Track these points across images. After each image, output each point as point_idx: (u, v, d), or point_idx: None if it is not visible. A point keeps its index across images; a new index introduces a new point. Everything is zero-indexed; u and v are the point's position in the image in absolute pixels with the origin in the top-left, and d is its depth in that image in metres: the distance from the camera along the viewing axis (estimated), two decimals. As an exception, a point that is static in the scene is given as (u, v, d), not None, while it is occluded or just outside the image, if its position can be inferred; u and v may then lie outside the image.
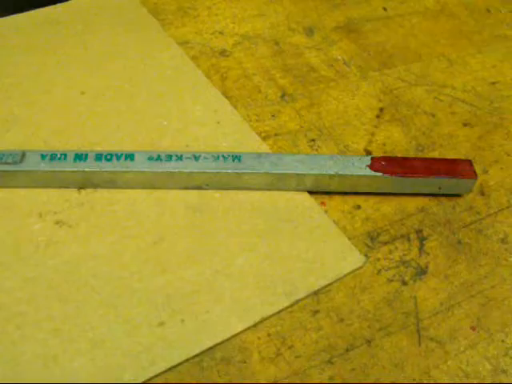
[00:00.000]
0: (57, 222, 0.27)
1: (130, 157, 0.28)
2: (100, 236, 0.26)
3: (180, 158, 0.28)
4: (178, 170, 0.27)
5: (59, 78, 0.33)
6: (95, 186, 0.28)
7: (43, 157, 0.28)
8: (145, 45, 0.35)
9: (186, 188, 0.28)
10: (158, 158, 0.28)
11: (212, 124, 0.31)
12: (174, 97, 0.32)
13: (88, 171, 0.27)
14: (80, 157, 0.28)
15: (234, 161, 0.28)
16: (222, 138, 0.30)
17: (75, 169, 0.27)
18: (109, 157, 0.27)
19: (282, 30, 0.37)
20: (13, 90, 0.33)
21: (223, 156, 0.28)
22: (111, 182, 0.28)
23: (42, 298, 0.24)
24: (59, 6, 0.38)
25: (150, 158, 0.28)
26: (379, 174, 0.28)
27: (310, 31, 0.37)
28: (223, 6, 0.39)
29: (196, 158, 0.28)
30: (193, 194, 0.28)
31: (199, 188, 0.28)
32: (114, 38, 0.36)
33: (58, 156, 0.28)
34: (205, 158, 0.28)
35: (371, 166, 0.28)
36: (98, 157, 0.27)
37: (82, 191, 0.28)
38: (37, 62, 0.34)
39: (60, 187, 0.28)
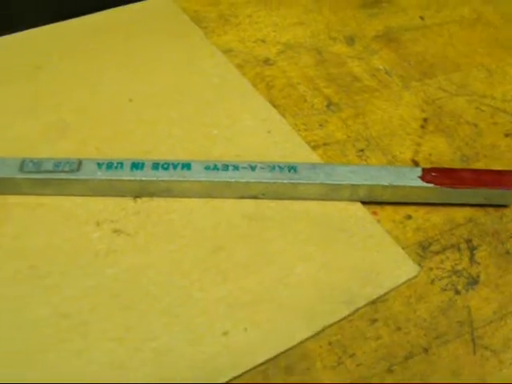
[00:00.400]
0: (115, 231, 0.27)
1: (186, 166, 0.28)
2: (158, 245, 0.27)
3: (237, 167, 0.28)
4: (235, 180, 0.28)
5: (106, 86, 0.33)
6: (151, 194, 0.28)
7: (100, 165, 0.28)
8: (188, 52, 0.36)
9: (241, 197, 0.28)
10: (215, 168, 0.28)
11: (262, 133, 0.31)
12: (222, 105, 0.33)
13: (145, 180, 0.28)
14: (137, 165, 0.28)
15: (289, 171, 0.28)
16: (273, 147, 0.31)
17: (132, 178, 0.28)
18: (165, 166, 0.28)
19: (323, 39, 0.38)
20: (61, 97, 0.33)
21: (279, 166, 0.28)
22: (168, 191, 0.28)
23: (105, 306, 0.25)
24: (100, 13, 0.38)
25: (207, 168, 0.28)
26: (431, 185, 0.28)
27: (350, 40, 0.38)
28: (263, 14, 0.39)
29: (252, 168, 0.28)
30: (248, 203, 0.28)
31: (254, 197, 0.28)
32: (156, 45, 0.36)
33: (115, 165, 0.28)
34: (261, 168, 0.28)
35: (423, 178, 0.29)
36: (155, 166, 0.28)
37: (138, 200, 0.28)
38: (82, 69, 0.35)
39: (116, 196, 0.28)
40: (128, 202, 0.28)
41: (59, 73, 0.34)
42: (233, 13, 0.39)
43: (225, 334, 0.24)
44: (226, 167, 0.28)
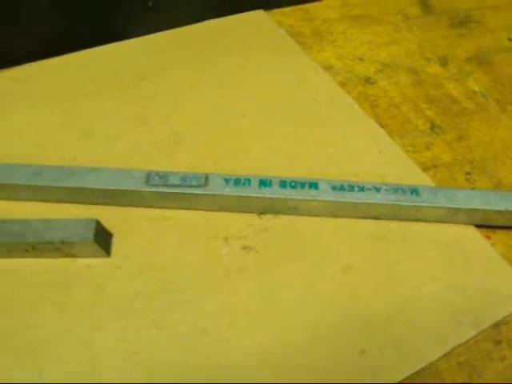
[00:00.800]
0: (244, 247, 0.28)
1: (314, 185, 0.28)
2: (287, 262, 0.27)
3: (362, 188, 0.29)
4: (361, 201, 0.28)
5: (215, 99, 0.34)
6: (277, 211, 0.29)
7: (227, 181, 0.28)
8: (291, 68, 0.36)
9: (363, 217, 0.29)
10: (342, 188, 0.29)
11: (374, 153, 0.32)
12: (332, 123, 0.33)
13: (273, 198, 0.28)
14: (264, 183, 0.28)
15: (412, 194, 0.29)
16: (385, 168, 0.31)
17: (260, 195, 0.28)
18: (293, 184, 0.28)
19: (417, 59, 0.38)
20: (171, 109, 0.33)
21: (402, 189, 0.29)
22: (294, 209, 0.29)
23: (242, 323, 0.25)
24: (197, 25, 0.38)
25: (334, 188, 0.29)
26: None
27: (443, 61, 0.39)
28: (356, 31, 0.40)
29: (377, 189, 0.29)
30: (370, 223, 0.29)
31: (376, 218, 0.29)
32: (258, 59, 0.37)
33: (242, 181, 0.28)
34: (385, 190, 0.29)
35: (536, 203, 0.29)
36: (283, 184, 0.28)
37: (263, 216, 0.29)
38: (187, 81, 0.35)
39: (241, 211, 0.29)
40: (253, 219, 0.29)
41: (164, 84, 0.35)
42: (327, 29, 0.40)
43: (363, 352, 0.25)
44: (351, 188, 0.29)
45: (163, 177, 0.28)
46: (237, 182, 0.28)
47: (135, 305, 0.26)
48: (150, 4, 0.37)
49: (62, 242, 0.26)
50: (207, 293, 0.26)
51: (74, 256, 0.27)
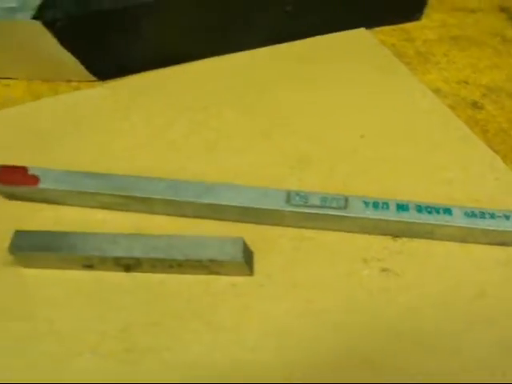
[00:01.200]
0: (383, 270, 0.28)
1: (447, 211, 0.29)
2: (424, 285, 0.28)
3: (492, 216, 0.29)
4: (492, 228, 0.29)
5: (336, 117, 0.34)
6: (412, 235, 0.29)
7: (366, 204, 0.29)
8: (401, 90, 0.37)
9: (491, 243, 0.30)
10: (473, 215, 0.29)
11: (491, 179, 0.32)
12: (447, 147, 0.34)
13: (410, 222, 0.29)
14: (402, 207, 0.29)
15: (541, 222, 0.29)
16: (504, 195, 0.32)
17: (398, 219, 0.29)
18: (429, 209, 0.29)
19: (521, 84, 0.39)
20: (294, 125, 0.34)
21: (530, 216, 0.29)
22: (429, 234, 0.29)
23: (392, 345, 0.26)
24: (304, 41, 0.39)
25: (466, 214, 0.29)
26: None
27: (544, 86, 0.39)
28: (457, 53, 0.40)
29: (506, 217, 0.29)
30: (498, 249, 0.29)
31: (504, 244, 0.30)
32: (367, 78, 0.37)
33: (381, 204, 0.29)
34: (514, 217, 0.29)
35: None
36: (419, 208, 0.29)
37: (398, 239, 0.29)
38: (303, 97, 0.36)
39: (376, 234, 0.29)
40: (389, 241, 0.29)
41: (280, 98, 0.35)
42: (428, 50, 0.40)
43: (504, 374, 0.25)
44: (483, 215, 0.29)
45: (303, 197, 0.29)
46: (375, 205, 0.29)
47: (284, 324, 0.26)
48: (261, 19, 0.37)
49: (211, 261, 0.27)
50: (353, 315, 0.27)
51: (217, 273, 0.27)
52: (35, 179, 0.30)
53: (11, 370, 0.25)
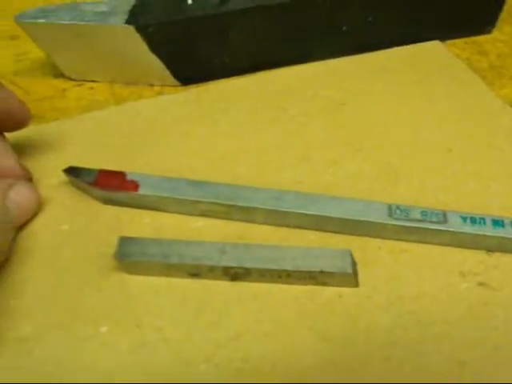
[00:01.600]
0: (480, 284, 0.29)
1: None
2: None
3: None
4: None
5: (420, 130, 0.35)
6: (505, 250, 0.30)
7: (464, 219, 0.29)
8: (481, 104, 0.37)
9: None
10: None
11: None
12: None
13: (506, 237, 0.29)
14: (497, 223, 0.29)
15: None
16: None
17: (494, 234, 0.29)
18: (521, 225, 0.29)
19: None
20: (382, 138, 0.34)
21: None
22: (518, 248, 0.30)
23: (495, 358, 0.26)
24: (380, 53, 0.39)
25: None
26: None
27: None
28: (530, 68, 0.41)
29: None
30: None
31: None
32: (447, 91, 0.37)
33: (478, 220, 0.29)
34: None
35: None
36: (514, 224, 0.29)
37: (492, 254, 0.30)
38: (387, 109, 0.36)
39: (472, 248, 0.30)
40: (483, 256, 0.30)
41: (364, 110, 0.36)
42: (503, 64, 0.40)
43: None
44: None
45: (404, 211, 0.29)
46: (473, 220, 0.29)
47: (391, 336, 0.26)
48: (344, 28, 0.37)
49: (321, 272, 0.27)
50: (453, 326, 0.27)
51: (324, 284, 0.28)
52: (135, 185, 0.30)
53: (126, 376, 0.25)
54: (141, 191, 0.30)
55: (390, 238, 0.30)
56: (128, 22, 0.34)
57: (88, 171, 0.31)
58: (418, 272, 0.29)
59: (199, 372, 0.25)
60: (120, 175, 0.30)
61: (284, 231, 0.30)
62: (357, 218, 0.29)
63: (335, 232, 0.30)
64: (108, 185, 0.30)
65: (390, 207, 0.29)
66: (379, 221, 0.29)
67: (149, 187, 0.30)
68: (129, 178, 0.30)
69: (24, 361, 0.26)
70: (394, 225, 0.29)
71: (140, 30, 0.34)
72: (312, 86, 0.37)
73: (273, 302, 0.27)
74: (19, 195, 0.29)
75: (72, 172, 0.31)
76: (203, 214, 0.30)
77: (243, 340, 0.26)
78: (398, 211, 0.29)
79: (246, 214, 0.30)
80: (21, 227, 0.30)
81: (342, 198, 0.30)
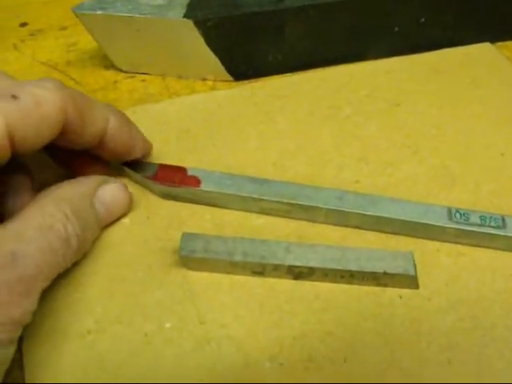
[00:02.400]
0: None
1: None
2: None
3: None
4: None
5: (473, 133, 0.35)
6: None
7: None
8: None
9: None
10: None
11: None
12: None
13: None
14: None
15: None
16: None
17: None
18: None
19: None
20: (437, 141, 0.34)
21: None
22: None
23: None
24: (432, 54, 0.39)
25: None
26: None
27: None
28: None
29: None
30: None
31: None
32: (500, 95, 0.37)
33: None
34: None
35: None
36: None
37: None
38: (441, 111, 0.36)
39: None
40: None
41: (419, 112, 0.36)
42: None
43: None
44: None
45: (464, 215, 0.29)
46: (520, 226, 0.29)
47: (453, 339, 0.27)
48: (396, 29, 0.37)
49: (385, 273, 0.27)
50: (512, 331, 0.27)
51: (385, 285, 0.28)
52: (196, 180, 0.30)
53: (190, 373, 0.25)
54: (203, 187, 0.30)
55: (448, 241, 0.30)
56: (186, 16, 0.34)
57: (148, 165, 0.31)
58: (477, 275, 0.29)
59: (264, 370, 0.26)
60: (181, 170, 0.31)
61: (343, 231, 0.30)
62: (417, 220, 0.29)
63: (394, 233, 0.30)
64: (169, 180, 0.30)
65: (449, 210, 0.29)
66: (439, 224, 0.29)
67: (211, 183, 0.30)
68: (190, 173, 0.30)
69: (87, 354, 0.26)
70: (454, 228, 0.29)
71: (198, 24, 0.34)
72: (366, 85, 0.37)
73: (335, 302, 0.28)
74: (110, 195, 0.28)
75: (131, 166, 0.31)
76: (264, 212, 0.30)
77: (307, 339, 0.26)
78: (457, 215, 0.29)
79: (307, 212, 0.30)
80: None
81: (402, 200, 0.30)
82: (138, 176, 0.31)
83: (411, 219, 0.29)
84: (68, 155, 0.29)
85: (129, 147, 0.29)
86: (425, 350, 0.26)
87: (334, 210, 0.29)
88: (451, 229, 0.29)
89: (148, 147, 0.31)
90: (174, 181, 0.30)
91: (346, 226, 0.30)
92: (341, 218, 0.30)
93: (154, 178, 0.30)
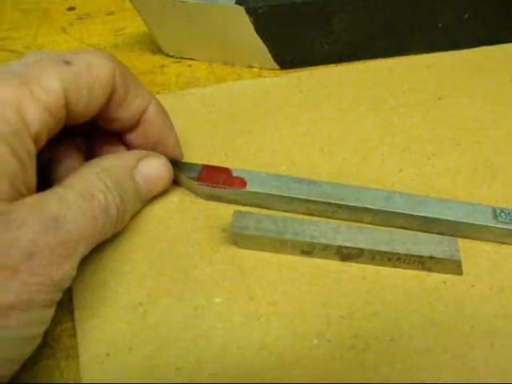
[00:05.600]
0: None
1: None
2: None
3: None
4: None
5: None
6: None
7: None
8: None
9: None
10: None
11: None
12: None
13: None
14: None
15: None
16: None
17: None
18: None
19: None
20: (479, 134, 0.35)
21: None
22: None
23: None
24: (475, 50, 0.40)
25: None
26: None
27: None
28: None
29: None
30: None
31: None
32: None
33: None
34: None
35: None
36: None
37: None
38: (483, 107, 0.36)
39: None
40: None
41: (461, 106, 0.36)
42: None
43: None
44: None
45: (509, 214, 0.30)
46: None
47: (495, 324, 0.27)
48: (440, 26, 0.38)
49: (431, 257, 0.28)
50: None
51: (429, 270, 0.29)
52: (242, 182, 0.30)
53: (239, 346, 0.26)
54: (249, 188, 0.29)
55: (492, 241, 0.30)
56: (238, 2, 0.35)
57: (192, 166, 0.30)
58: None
59: (312, 346, 0.26)
60: (226, 171, 0.30)
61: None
62: (463, 220, 0.29)
63: (440, 233, 0.30)
64: (214, 181, 0.30)
65: (494, 210, 0.30)
66: (485, 224, 0.29)
67: (257, 184, 0.29)
68: (235, 174, 0.30)
69: (139, 325, 0.27)
70: (499, 228, 0.29)
71: (250, 11, 0.35)
72: (409, 78, 0.38)
73: (381, 284, 0.28)
74: (151, 169, 0.28)
75: (175, 166, 0.30)
76: (309, 213, 0.30)
77: (354, 318, 0.27)
78: (502, 214, 0.30)
79: (353, 213, 0.30)
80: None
81: (448, 200, 0.30)
82: (182, 177, 0.30)
83: (457, 219, 0.29)
84: (103, 146, 0.30)
85: (162, 137, 0.28)
86: (468, 333, 0.27)
87: (380, 210, 0.30)
88: (496, 228, 0.29)
89: (179, 149, 0.30)
90: (218, 182, 0.30)
91: (392, 226, 0.30)
92: (387, 219, 0.30)
93: (199, 178, 0.30)
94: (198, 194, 0.31)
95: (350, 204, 0.30)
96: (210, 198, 0.31)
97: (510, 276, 0.29)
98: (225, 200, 0.30)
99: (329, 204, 0.30)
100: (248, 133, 0.34)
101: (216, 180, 0.30)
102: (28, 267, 0.21)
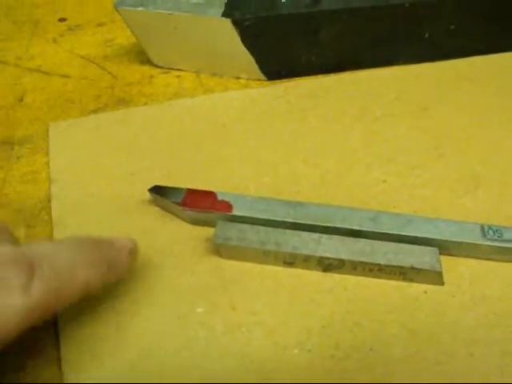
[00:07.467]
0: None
1: None
2: None
3: None
4: None
5: (502, 140, 0.35)
6: None
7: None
8: None
9: None
10: None
11: None
12: None
13: None
14: None
15: None
16: None
17: None
18: None
19: None
20: (464, 145, 0.35)
21: None
22: None
23: None
24: (463, 60, 0.40)
25: None
26: None
27: None
28: None
29: None
30: None
31: None
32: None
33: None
34: None
35: None
36: None
37: None
38: (469, 117, 0.36)
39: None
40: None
41: (447, 117, 0.36)
42: None
43: None
44: None
45: (496, 231, 0.30)
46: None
47: (476, 334, 0.27)
48: (426, 36, 0.38)
49: (412, 268, 0.28)
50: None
51: (411, 280, 0.29)
52: (227, 205, 0.29)
53: (221, 355, 0.26)
54: (235, 212, 0.29)
55: (481, 258, 0.30)
56: (224, 14, 0.35)
57: (175, 190, 0.30)
58: (501, 277, 0.30)
59: (292, 356, 0.26)
60: (211, 195, 0.30)
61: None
62: (451, 239, 0.29)
63: None
64: (198, 205, 0.29)
65: (482, 228, 0.30)
66: (473, 241, 0.29)
67: (242, 208, 0.29)
68: (220, 198, 0.30)
69: (121, 333, 0.27)
70: (488, 245, 0.29)
71: (236, 23, 0.35)
72: (395, 89, 0.38)
73: (362, 295, 0.28)
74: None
75: (158, 191, 0.30)
76: None
77: (335, 328, 0.27)
78: (490, 232, 0.30)
79: (340, 234, 0.30)
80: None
81: (436, 219, 0.30)
82: (165, 202, 0.30)
83: (446, 238, 0.29)
84: None
85: None
86: (448, 342, 0.27)
87: (368, 231, 0.29)
88: (485, 246, 0.29)
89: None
90: (203, 206, 0.29)
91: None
92: (376, 239, 0.30)
93: (183, 203, 0.30)
94: (183, 219, 0.31)
95: (337, 226, 0.29)
96: (196, 222, 0.30)
97: (491, 286, 0.29)
98: (211, 224, 0.30)
99: (316, 226, 0.30)
100: (233, 143, 0.35)
101: (201, 204, 0.29)
102: None
